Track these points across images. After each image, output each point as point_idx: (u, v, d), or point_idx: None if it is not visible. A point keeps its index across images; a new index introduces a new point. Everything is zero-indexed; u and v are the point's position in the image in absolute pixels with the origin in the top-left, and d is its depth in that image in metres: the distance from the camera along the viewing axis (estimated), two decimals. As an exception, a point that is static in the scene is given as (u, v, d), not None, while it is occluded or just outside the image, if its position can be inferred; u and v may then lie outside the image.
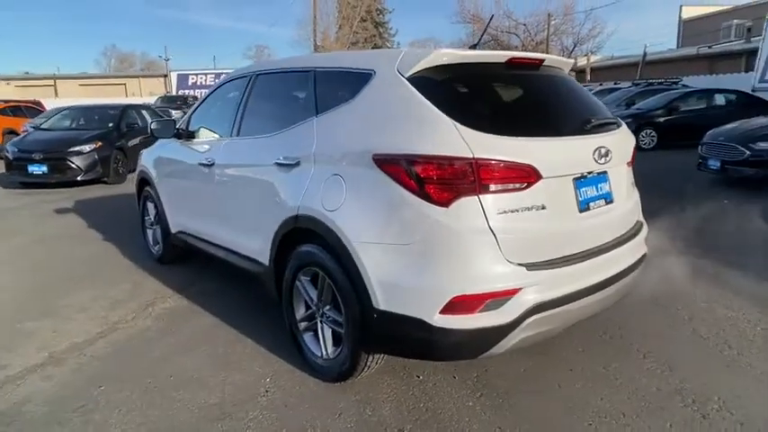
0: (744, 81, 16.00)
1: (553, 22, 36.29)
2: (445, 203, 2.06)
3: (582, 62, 33.70)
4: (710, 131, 8.04)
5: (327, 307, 2.60)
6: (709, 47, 25.54)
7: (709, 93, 13.33)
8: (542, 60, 2.60)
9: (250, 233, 3.10)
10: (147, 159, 4.63)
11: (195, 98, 29.28)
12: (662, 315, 3.33)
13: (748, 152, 7.10)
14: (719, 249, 4.46)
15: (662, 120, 12.40)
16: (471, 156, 2.04)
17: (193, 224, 3.90)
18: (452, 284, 2.05)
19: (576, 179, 2.35)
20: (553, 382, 2.62)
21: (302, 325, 2.80)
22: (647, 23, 58.92)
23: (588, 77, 32.16)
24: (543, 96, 2.58)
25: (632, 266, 2.58)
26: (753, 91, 14.06)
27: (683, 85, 17.87)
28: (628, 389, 2.54)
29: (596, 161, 2.39)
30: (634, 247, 2.63)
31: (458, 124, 2.11)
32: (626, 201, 2.68)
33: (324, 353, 2.66)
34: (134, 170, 10.27)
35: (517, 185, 2.12)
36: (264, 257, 2.96)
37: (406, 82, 2.28)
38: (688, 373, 2.66)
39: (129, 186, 9.21)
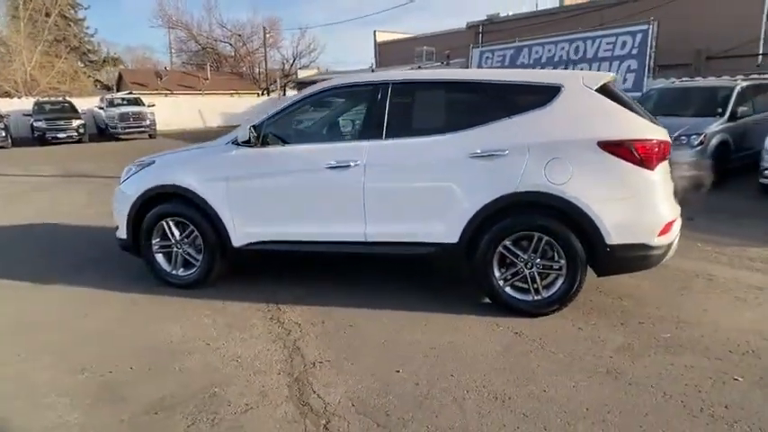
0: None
1: (269, 35, 38.76)
2: (653, 168, 3.30)
3: (303, 75, 36.81)
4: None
5: (538, 260, 3.48)
6: (419, 67, 31.64)
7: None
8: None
9: (427, 220, 3.60)
10: (178, 175, 4.11)
11: None
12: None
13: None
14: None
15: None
16: (662, 138, 3.36)
17: (299, 229, 3.89)
18: (665, 216, 3.34)
19: None
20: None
21: (501, 282, 3.56)
22: (353, 44, 72.04)
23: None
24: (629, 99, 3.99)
25: None
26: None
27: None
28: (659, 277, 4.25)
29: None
30: None
31: (641, 118, 3.39)
32: None
33: (533, 297, 3.51)
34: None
35: (668, 154, 3.53)
36: (451, 237, 3.56)
37: (596, 93, 3.42)
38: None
39: None
